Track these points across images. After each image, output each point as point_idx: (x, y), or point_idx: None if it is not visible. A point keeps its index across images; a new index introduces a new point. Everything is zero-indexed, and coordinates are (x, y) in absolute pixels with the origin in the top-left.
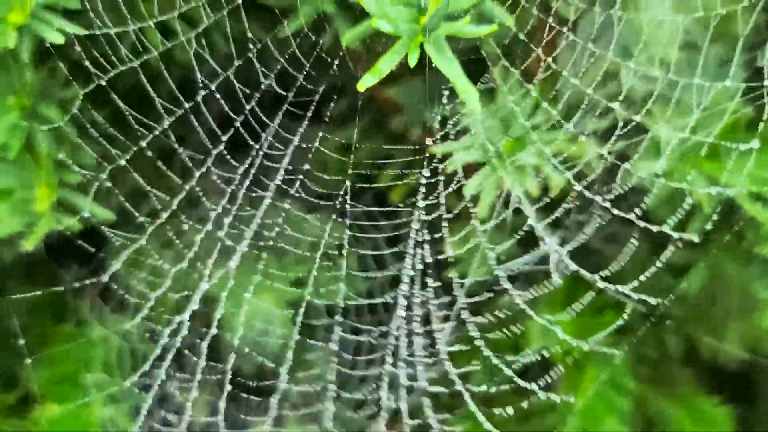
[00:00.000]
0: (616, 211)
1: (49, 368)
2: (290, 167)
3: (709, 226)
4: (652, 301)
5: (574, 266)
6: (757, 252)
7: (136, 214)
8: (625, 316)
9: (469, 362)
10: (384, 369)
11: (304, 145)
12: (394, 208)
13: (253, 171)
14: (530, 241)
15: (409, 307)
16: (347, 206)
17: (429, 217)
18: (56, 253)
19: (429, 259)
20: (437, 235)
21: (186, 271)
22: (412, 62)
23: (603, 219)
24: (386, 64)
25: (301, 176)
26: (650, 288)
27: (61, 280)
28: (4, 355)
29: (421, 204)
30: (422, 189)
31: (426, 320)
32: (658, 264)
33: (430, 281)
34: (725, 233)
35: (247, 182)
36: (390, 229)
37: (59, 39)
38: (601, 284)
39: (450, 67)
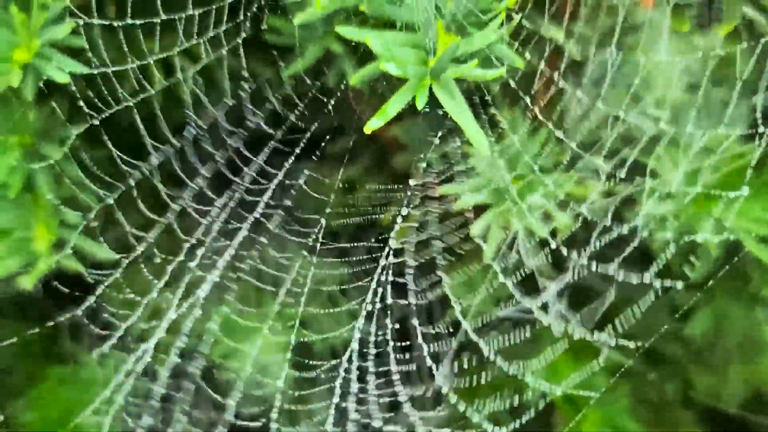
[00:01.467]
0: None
1: (37, 410)
2: (271, 201)
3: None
4: (631, 345)
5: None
6: (764, 295)
7: (113, 253)
8: (601, 362)
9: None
10: (332, 402)
11: (288, 182)
12: (366, 244)
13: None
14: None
15: (363, 344)
16: (318, 244)
17: (397, 260)
18: (52, 292)
19: (389, 300)
20: (401, 280)
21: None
22: (420, 105)
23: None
24: (394, 107)
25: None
26: (653, 330)
27: (54, 320)
28: None
29: (393, 243)
30: (397, 227)
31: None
32: (637, 311)
33: (389, 322)
34: (730, 276)
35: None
36: (357, 265)
37: (64, 78)
38: (578, 332)
39: (459, 110)
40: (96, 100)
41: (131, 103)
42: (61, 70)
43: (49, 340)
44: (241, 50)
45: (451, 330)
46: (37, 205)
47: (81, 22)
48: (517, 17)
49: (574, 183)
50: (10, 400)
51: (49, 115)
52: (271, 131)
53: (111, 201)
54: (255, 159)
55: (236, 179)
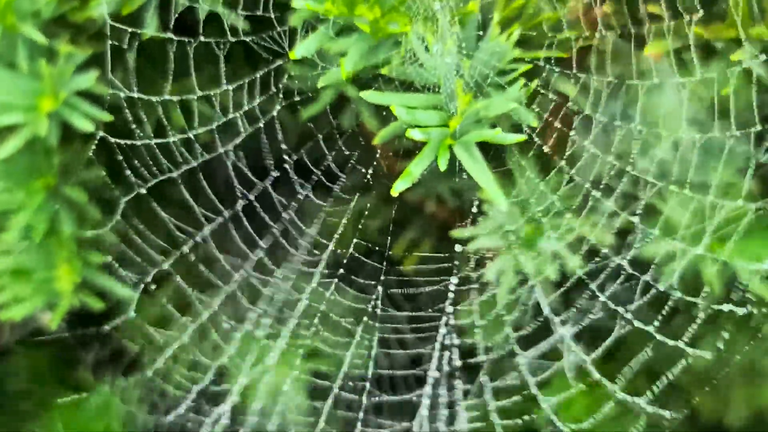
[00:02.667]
0: (637, 323)
1: None
2: (327, 271)
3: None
4: (666, 414)
5: (583, 356)
6: (765, 332)
7: (179, 315)
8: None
9: None
10: None
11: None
12: (423, 314)
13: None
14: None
15: (433, 407)
16: (378, 310)
17: (457, 323)
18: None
19: (457, 362)
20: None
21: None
22: (442, 166)
23: (623, 328)
24: (417, 168)
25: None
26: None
27: (77, 354)
28: (3, 419)
29: (449, 309)
30: (450, 295)
31: (451, 420)
32: (670, 377)
33: (458, 383)
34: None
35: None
36: (418, 331)
37: (89, 127)
38: (619, 395)
39: (479, 171)
40: (143, 169)
41: (175, 174)
42: (86, 119)
43: (63, 367)
44: (277, 123)
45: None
46: (61, 245)
47: (122, 95)
48: (534, 83)
49: (585, 225)
50: (23, 425)
51: (72, 157)
52: (320, 202)
53: (166, 266)
54: (308, 231)
55: (294, 251)
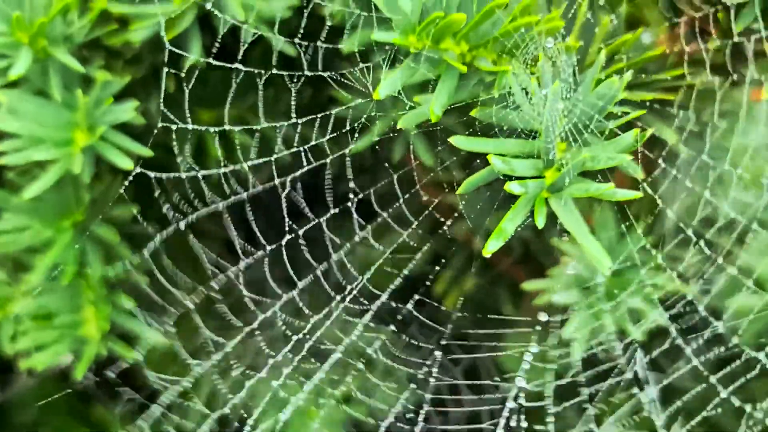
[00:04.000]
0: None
1: None
2: (371, 324)
3: None
4: None
5: None
6: None
7: (190, 359)
8: None
9: None
10: None
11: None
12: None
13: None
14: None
15: None
16: (432, 379)
17: (528, 404)
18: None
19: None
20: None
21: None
22: (540, 223)
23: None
24: (511, 225)
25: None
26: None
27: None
28: None
29: (522, 383)
30: (525, 366)
31: None
32: None
33: None
34: None
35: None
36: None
37: (129, 165)
38: None
39: (580, 228)
40: (183, 201)
41: (221, 206)
42: (123, 155)
43: (77, 400)
44: (348, 161)
45: None
46: (88, 286)
47: (174, 127)
48: (650, 130)
49: (667, 279)
50: None
51: (102, 191)
52: (380, 247)
53: (191, 305)
54: (361, 277)
55: (337, 296)
